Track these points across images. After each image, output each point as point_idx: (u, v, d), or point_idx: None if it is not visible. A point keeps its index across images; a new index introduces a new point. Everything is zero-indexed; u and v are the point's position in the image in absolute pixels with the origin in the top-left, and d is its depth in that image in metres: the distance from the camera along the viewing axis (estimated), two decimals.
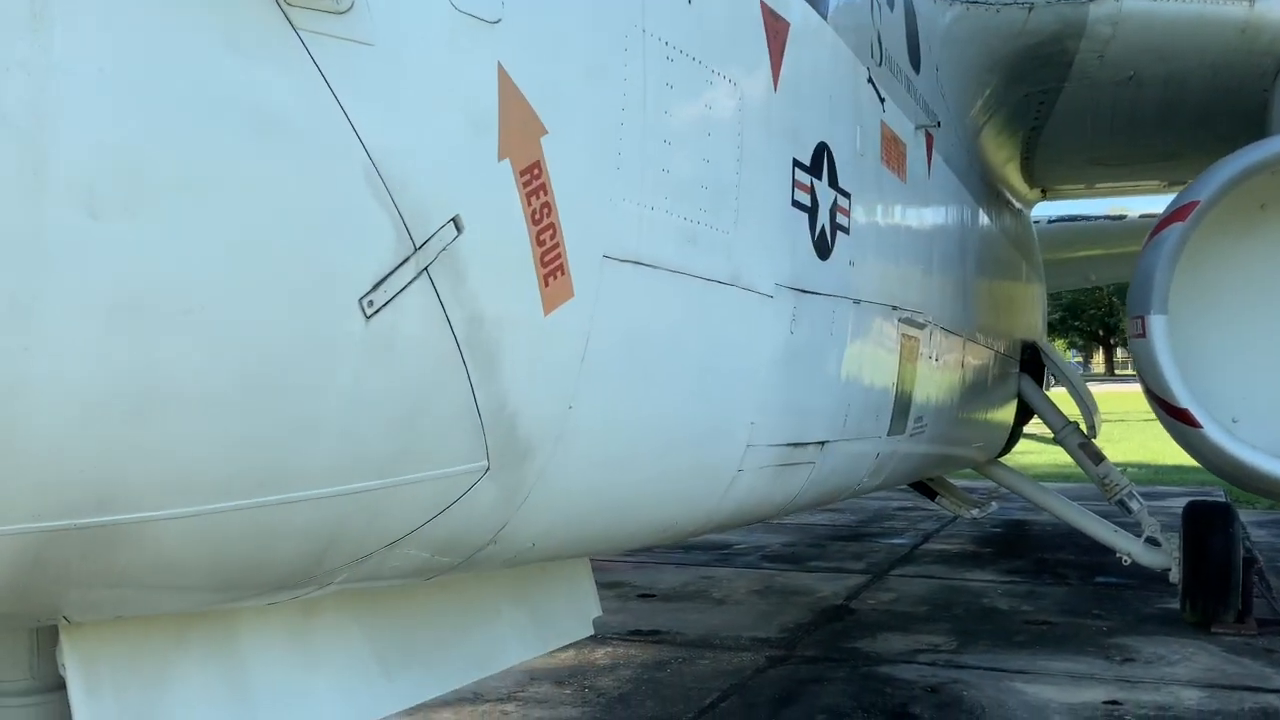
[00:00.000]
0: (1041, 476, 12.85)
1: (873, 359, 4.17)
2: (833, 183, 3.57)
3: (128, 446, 1.61)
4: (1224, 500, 8.06)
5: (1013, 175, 7.76)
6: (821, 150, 3.46)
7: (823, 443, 3.77)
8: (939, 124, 5.23)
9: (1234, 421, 5.30)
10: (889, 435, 4.62)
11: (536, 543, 2.61)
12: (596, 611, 3.97)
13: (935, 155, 5.19)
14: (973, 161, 6.39)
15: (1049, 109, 6.64)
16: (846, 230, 3.72)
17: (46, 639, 2.33)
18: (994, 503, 9.91)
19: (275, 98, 1.67)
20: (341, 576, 2.20)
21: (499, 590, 3.39)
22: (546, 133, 2.15)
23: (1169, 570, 7.84)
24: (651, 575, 10.13)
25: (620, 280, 2.41)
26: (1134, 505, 8.29)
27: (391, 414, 1.95)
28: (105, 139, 1.47)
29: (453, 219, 1.94)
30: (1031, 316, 9.06)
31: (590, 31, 2.30)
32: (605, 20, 2.33)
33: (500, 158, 2.05)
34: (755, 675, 6.79)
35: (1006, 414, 8.35)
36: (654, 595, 9.19)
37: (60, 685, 2.33)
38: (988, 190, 7.09)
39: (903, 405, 4.73)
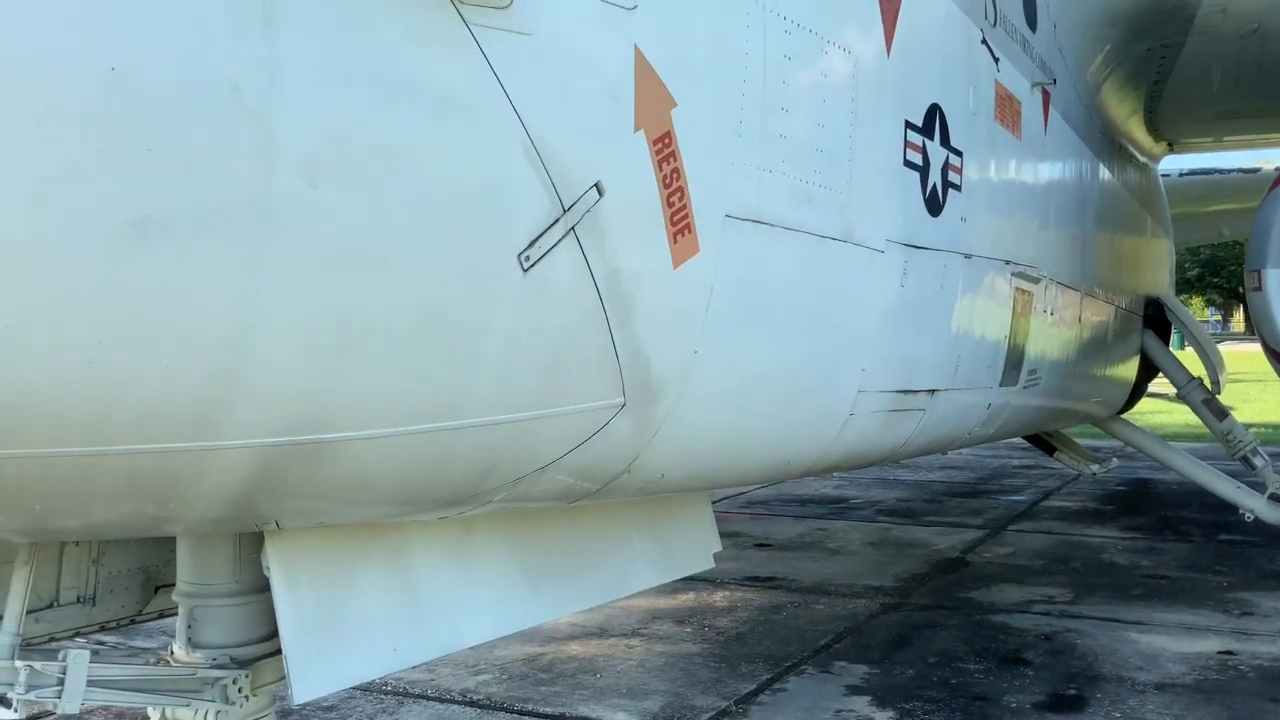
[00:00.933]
0: (1171, 436, 12.68)
1: (984, 312, 4.33)
2: (944, 142, 3.74)
3: (334, 376, 1.95)
4: None
5: (1136, 129, 7.68)
6: (934, 111, 3.64)
7: (933, 391, 3.97)
8: (1055, 81, 5.30)
9: None
10: (1001, 386, 4.78)
11: (665, 474, 2.90)
12: (717, 546, 4.26)
13: (1052, 112, 5.26)
14: (1093, 117, 6.40)
15: (1172, 63, 6.58)
16: (959, 187, 3.89)
17: (247, 548, 2.74)
18: (1115, 459, 9.85)
19: (449, 82, 1.97)
20: (500, 495, 2.53)
21: (630, 520, 3.71)
22: (676, 105, 2.41)
23: None
24: (767, 526, 10.40)
25: (741, 237, 2.67)
26: (1258, 462, 8.19)
27: (544, 354, 2.26)
28: (319, 121, 1.79)
29: (595, 184, 2.23)
30: (1156, 271, 8.96)
31: (715, 12, 2.54)
32: (729, 1, 2.58)
33: (636, 129, 2.32)
34: (869, 620, 7.02)
35: (1128, 369, 8.32)
36: (770, 545, 9.46)
37: (257, 589, 2.74)
38: (1109, 145, 7.07)
39: (1015, 358, 4.88)
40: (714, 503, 12.12)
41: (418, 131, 1.93)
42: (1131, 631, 6.64)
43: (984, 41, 4.16)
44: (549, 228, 2.15)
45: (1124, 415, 9.38)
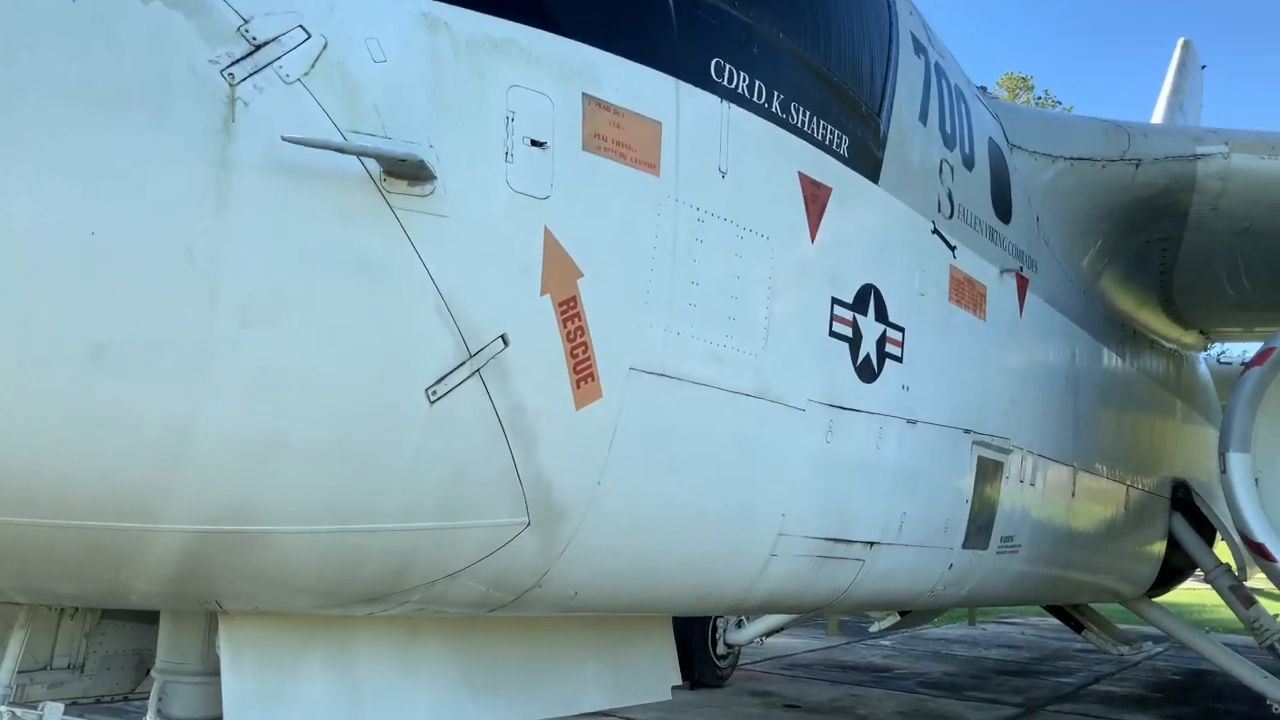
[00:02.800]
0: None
1: (935, 474, 4.64)
2: (880, 317, 4.16)
3: (259, 478, 2.45)
4: None
5: (1153, 317, 7.95)
6: (867, 290, 4.08)
7: (872, 543, 4.29)
8: (1035, 267, 5.71)
9: None
10: (965, 548, 5.04)
11: (579, 591, 3.29)
12: (676, 679, 4.57)
13: (1031, 296, 5.64)
14: (1093, 303, 6.74)
15: (1174, 255, 6.90)
16: (899, 359, 4.29)
17: (212, 631, 3.20)
18: (1149, 643, 9.71)
19: (371, 250, 2.51)
20: (417, 596, 2.96)
21: (586, 642, 4.07)
22: (582, 275, 2.92)
23: None
24: (804, 688, 10.45)
25: (646, 388, 3.12)
26: None
27: (449, 473, 2.72)
28: (256, 277, 2.34)
29: (501, 335, 2.72)
30: (1187, 455, 9.03)
31: (625, 202, 3.06)
32: (638, 193, 3.10)
33: (542, 293, 2.83)
34: None
35: (1152, 550, 8.36)
36: (799, 706, 9.51)
37: (219, 670, 3.19)
38: (1119, 330, 7.36)
39: (982, 522, 5.14)
40: (755, 664, 12.30)
41: (340, 287, 2.47)
42: None
43: (936, 231, 4.62)
44: (455, 369, 2.65)
45: (1161, 597, 9.32)
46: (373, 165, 2.49)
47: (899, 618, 9.71)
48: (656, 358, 3.16)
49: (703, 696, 9.70)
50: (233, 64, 2.35)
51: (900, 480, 4.40)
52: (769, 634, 10.43)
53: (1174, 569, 9.19)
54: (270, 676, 3.03)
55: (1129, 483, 7.49)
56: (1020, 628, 17.49)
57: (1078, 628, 9.49)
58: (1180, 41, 16.35)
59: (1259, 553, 5.38)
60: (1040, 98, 66.24)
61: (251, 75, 2.36)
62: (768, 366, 3.56)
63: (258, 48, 2.39)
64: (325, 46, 2.49)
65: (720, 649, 10.25)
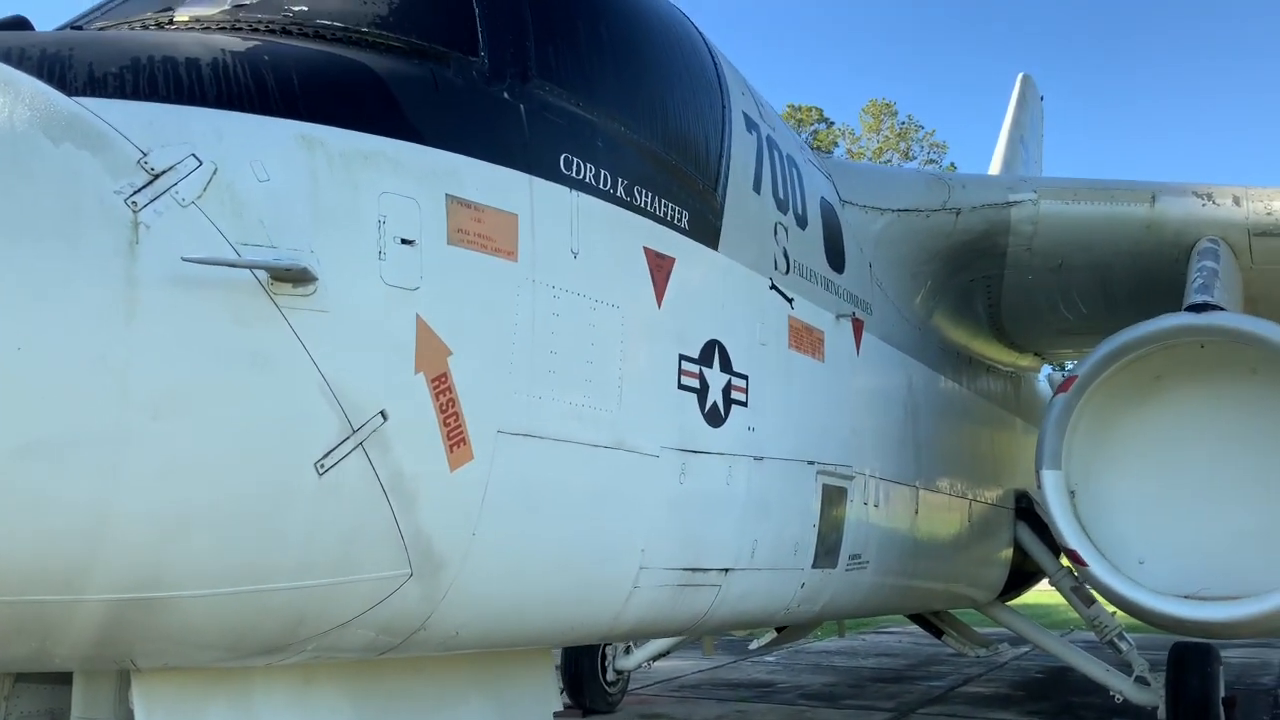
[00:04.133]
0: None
1: (782, 503, 5.16)
2: (725, 368, 4.67)
3: (169, 549, 2.80)
4: (1207, 644, 8.57)
5: (988, 345, 8.69)
6: (712, 345, 4.59)
7: (726, 569, 4.78)
8: (870, 310, 6.33)
9: (1140, 563, 6.08)
10: (815, 568, 5.58)
11: (460, 631, 3.69)
12: (557, 706, 4.95)
13: (868, 336, 6.25)
14: (928, 336, 7.41)
15: (999, 290, 7.64)
16: (744, 404, 4.81)
17: (124, 687, 3.51)
18: (1005, 645, 10.46)
19: (263, 346, 2.90)
20: (313, 645, 3.32)
21: (469, 677, 4.45)
22: (452, 353, 3.34)
23: (1157, 708, 8.35)
24: (691, 708, 10.91)
25: (513, 447, 3.55)
26: (1123, 646, 8.87)
27: (338, 535, 3.11)
28: (162, 375, 2.71)
29: (380, 411, 3.13)
30: (1028, 467, 9.79)
31: (488, 287, 3.50)
32: (499, 277, 3.54)
33: (416, 372, 3.24)
34: None
35: (999, 557, 9.08)
36: None
37: None
38: (955, 359, 8.07)
39: (830, 543, 5.69)
40: (645, 687, 12.77)
41: (235, 379, 2.85)
42: None
43: (774, 287, 5.17)
44: (340, 444, 3.04)
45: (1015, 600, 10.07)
46: (261, 274, 2.88)
47: (776, 634, 10.28)
48: (522, 420, 3.59)
49: None
50: (134, 193, 2.73)
51: (751, 511, 4.91)
52: (656, 658, 10.86)
53: (1024, 574, 9.94)
54: None
55: (972, 497, 8.18)
56: (897, 636, 18.29)
57: (938, 633, 10.18)
58: (1020, 76, 17.54)
59: (1073, 558, 6.05)
60: (904, 122, 68.86)
61: (151, 202, 2.75)
62: (623, 421, 4.03)
63: (156, 176, 2.77)
64: (215, 171, 2.89)
65: (610, 675, 10.65)
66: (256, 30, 3.48)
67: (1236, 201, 6.80)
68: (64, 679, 3.59)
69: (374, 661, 3.90)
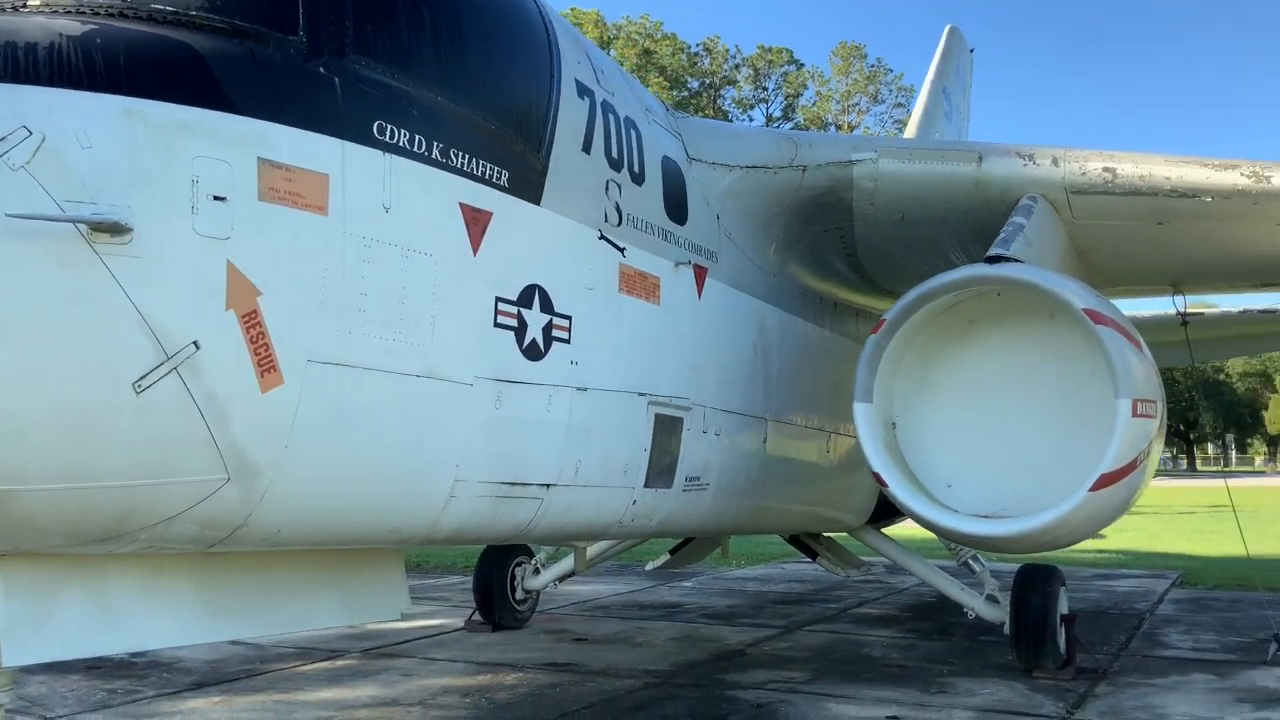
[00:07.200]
0: None
1: (608, 429, 5.83)
2: (546, 309, 5.31)
3: (9, 451, 3.45)
4: (1050, 565, 9.37)
5: (852, 291, 9.32)
6: (532, 289, 5.23)
7: (547, 485, 5.46)
8: (716, 258, 6.96)
9: (949, 486, 6.82)
10: (647, 487, 6.28)
11: (282, 530, 4.35)
12: (406, 604, 5.64)
13: (712, 282, 6.89)
14: (784, 282, 8.05)
15: (852, 240, 8.26)
16: (566, 341, 5.45)
17: None
18: (882, 566, 11.27)
19: (86, 286, 3.52)
20: (144, 535, 3.98)
21: (317, 573, 5.13)
22: (261, 293, 3.97)
23: (1004, 623, 9.16)
24: (597, 625, 11.71)
25: (322, 374, 4.18)
26: (976, 567, 9.69)
27: (157, 442, 3.75)
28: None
29: (193, 342, 3.76)
30: None
31: (297, 238, 4.11)
32: (309, 229, 4.14)
33: (227, 309, 3.87)
34: (626, 695, 8.31)
35: (864, 485, 9.81)
36: (586, 640, 10.75)
37: None
38: (817, 303, 8.71)
39: (663, 465, 6.37)
40: (560, 607, 13.63)
41: (62, 313, 3.47)
42: (831, 703, 7.96)
43: (603, 237, 5.79)
44: (155, 368, 3.68)
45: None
46: (83, 226, 3.50)
47: (670, 556, 11.06)
48: (332, 351, 4.23)
49: (501, 636, 10.88)
50: None
51: (573, 435, 5.58)
52: (562, 579, 11.65)
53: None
54: (37, 602, 4.02)
55: (833, 429, 8.89)
56: (814, 565, 19.17)
57: (812, 555, 10.98)
58: (947, 28, 18.03)
59: (877, 480, 6.77)
60: (873, 65, 69.03)
61: None
62: (435, 354, 4.66)
63: None
64: (44, 140, 3.48)
65: (519, 594, 11.44)
66: (97, 14, 4.02)
67: (1055, 162, 7.46)
68: None
69: (221, 556, 4.57)
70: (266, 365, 4.00)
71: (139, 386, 3.65)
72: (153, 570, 4.42)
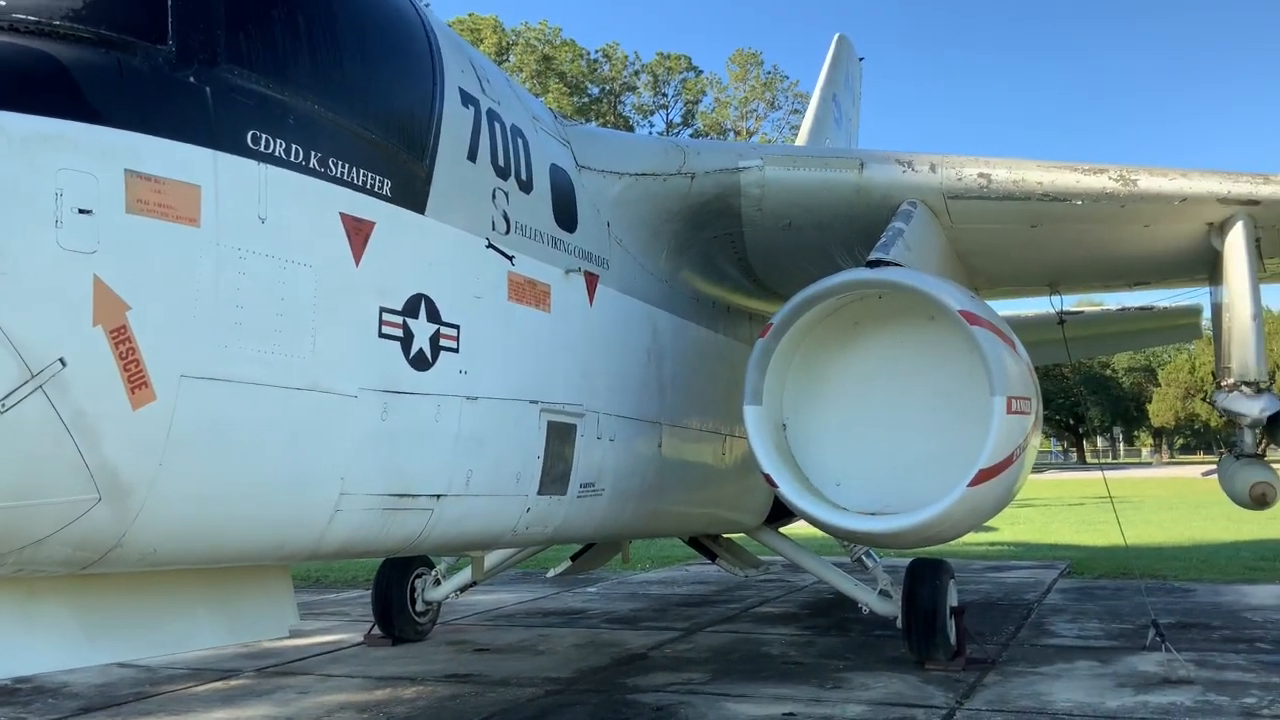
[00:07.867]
0: None
1: (500, 437, 5.83)
2: (433, 319, 5.29)
3: None
4: (939, 559, 9.62)
5: (746, 296, 9.46)
6: (418, 299, 5.20)
7: (438, 495, 5.44)
8: (607, 265, 7.01)
9: (837, 485, 6.98)
10: (541, 495, 6.28)
11: (158, 549, 4.25)
12: (294, 620, 5.55)
13: (603, 288, 6.93)
14: (676, 288, 8.15)
15: (742, 246, 8.40)
16: (455, 350, 5.44)
17: None
18: (780, 565, 11.44)
19: None
20: (12, 559, 3.86)
21: (198, 593, 5.02)
22: (130, 308, 3.88)
23: (896, 618, 9.37)
24: (500, 634, 11.66)
25: (197, 389, 4.11)
26: (870, 563, 9.91)
27: (21, 464, 3.65)
28: None
29: (59, 359, 3.66)
30: None
31: (167, 251, 4.02)
32: (180, 242, 4.06)
33: (94, 324, 3.78)
34: (526, 703, 8.30)
35: (759, 486, 9.96)
36: (488, 650, 10.70)
37: None
38: (710, 308, 8.82)
39: (557, 473, 6.39)
40: (463, 618, 13.50)
41: None
42: (729, 702, 8.06)
43: (491, 245, 5.79)
44: (19, 386, 3.57)
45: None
46: None
47: (570, 563, 11.06)
48: (206, 365, 4.15)
49: (401, 650, 10.76)
50: None
51: (463, 445, 5.56)
52: (463, 589, 11.56)
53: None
54: None
55: (728, 432, 9.00)
56: (718, 567, 19.36)
57: (711, 556, 11.10)
58: (836, 36, 18.42)
59: (767, 480, 6.90)
60: (769, 72, 70.01)
61: None
62: (317, 365, 4.61)
63: None
64: None
65: (420, 606, 11.32)
66: None
67: (933, 169, 7.69)
68: None
69: (98, 578, 4.45)
70: (137, 381, 3.92)
71: (2, 406, 3.54)
72: (27, 594, 4.28)
